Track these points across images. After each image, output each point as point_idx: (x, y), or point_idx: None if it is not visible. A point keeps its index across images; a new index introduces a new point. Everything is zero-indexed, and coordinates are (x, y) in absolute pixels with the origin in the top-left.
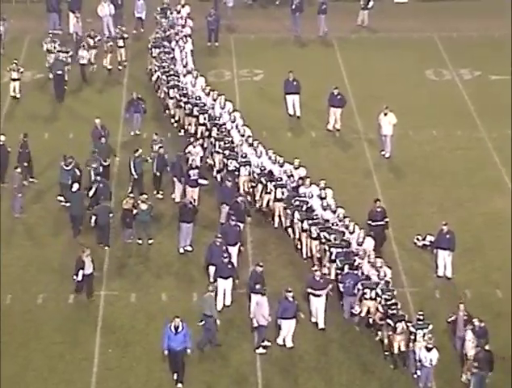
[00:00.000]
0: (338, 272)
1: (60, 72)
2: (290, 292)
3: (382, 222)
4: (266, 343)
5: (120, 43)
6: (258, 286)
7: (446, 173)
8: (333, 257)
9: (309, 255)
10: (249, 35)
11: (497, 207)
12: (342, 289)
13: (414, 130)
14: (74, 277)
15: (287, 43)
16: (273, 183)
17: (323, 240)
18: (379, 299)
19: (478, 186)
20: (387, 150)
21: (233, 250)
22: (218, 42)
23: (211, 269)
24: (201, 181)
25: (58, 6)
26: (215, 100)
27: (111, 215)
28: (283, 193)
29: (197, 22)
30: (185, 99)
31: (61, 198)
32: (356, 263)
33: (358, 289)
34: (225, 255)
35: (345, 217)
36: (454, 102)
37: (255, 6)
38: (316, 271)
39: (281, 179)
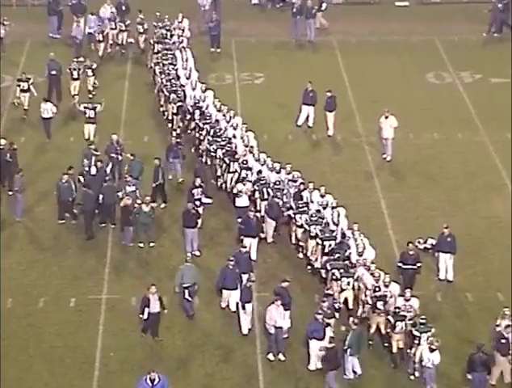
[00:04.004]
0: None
1: (54, 72)
2: (320, 314)
3: (414, 266)
4: (270, 355)
5: (89, 72)
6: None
7: (446, 176)
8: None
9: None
10: (250, 38)
11: (497, 210)
12: (323, 275)
13: (415, 133)
14: (140, 316)
15: (288, 46)
16: (237, 164)
17: (309, 230)
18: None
19: (479, 189)
20: (388, 153)
21: (245, 278)
22: (220, 48)
23: (225, 293)
24: (205, 200)
25: (59, 9)
26: (224, 115)
27: (119, 193)
28: (246, 175)
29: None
30: (168, 85)
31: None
32: (357, 274)
33: (327, 270)
34: (253, 279)
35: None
36: (455, 105)
37: (255, 9)
38: (318, 314)
39: (246, 162)
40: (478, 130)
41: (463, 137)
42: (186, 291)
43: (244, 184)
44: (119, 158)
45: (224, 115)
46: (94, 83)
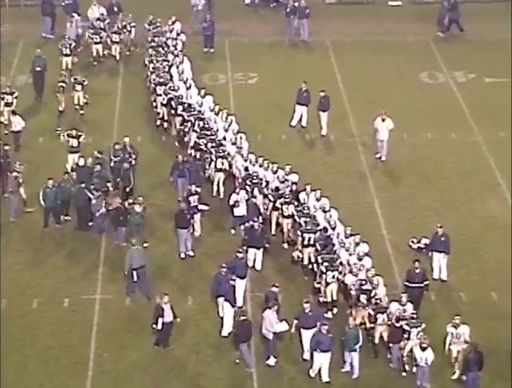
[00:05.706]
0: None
1: (39, 68)
2: (325, 325)
3: (421, 285)
4: (270, 360)
5: (77, 87)
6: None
7: (441, 176)
8: (310, 242)
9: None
10: (243, 38)
11: (492, 210)
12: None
13: (409, 133)
14: (154, 326)
15: (281, 46)
16: (216, 152)
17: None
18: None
19: (473, 189)
20: (383, 154)
21: (241, 284)
22: (213, 48)
23: (220, 301)
24: (201, 207)
25: (52, 9)
26: (217, 114)
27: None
28: (222, 163)
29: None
30: (153, 77)
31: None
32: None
33: (317, 263)
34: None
35: (351, 235)
36: (448, 105)
37: (249, 10)
38: (306, 302)
39: (223, 151)
40: (472, 130)
41: (458, 137)
42: (135, 273)
43: (237, 193)
44: (133, 162)
45: (226, 121)
46: (83, 100)
